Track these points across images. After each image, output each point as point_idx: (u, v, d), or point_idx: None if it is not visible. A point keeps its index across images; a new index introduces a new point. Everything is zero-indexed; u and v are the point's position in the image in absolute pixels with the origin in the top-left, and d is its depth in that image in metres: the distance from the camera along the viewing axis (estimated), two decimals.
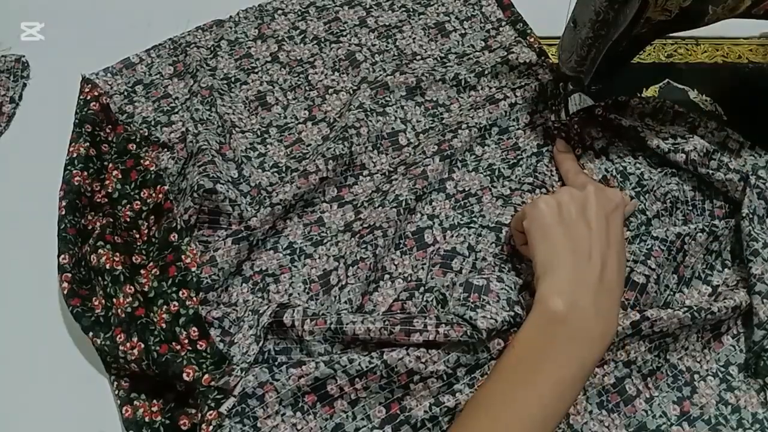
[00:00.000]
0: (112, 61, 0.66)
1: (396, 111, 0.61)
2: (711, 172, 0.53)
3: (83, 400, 0.50)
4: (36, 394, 0.51)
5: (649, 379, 0.47)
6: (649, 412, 0.46)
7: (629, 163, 0.57)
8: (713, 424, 0.46)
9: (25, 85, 0.67)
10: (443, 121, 0.62)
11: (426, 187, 0.56)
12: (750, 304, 0.48)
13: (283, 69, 0.66)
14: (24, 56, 0.69)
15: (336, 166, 0.57)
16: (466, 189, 0.58)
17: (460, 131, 0.58)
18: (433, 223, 0.56)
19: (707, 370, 0.48)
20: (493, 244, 0.54)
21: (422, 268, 0.53)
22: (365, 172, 0.59)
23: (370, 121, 0.60)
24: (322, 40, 0.68)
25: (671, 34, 0.55)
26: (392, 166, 0.59)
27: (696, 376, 0.48)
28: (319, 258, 0.55)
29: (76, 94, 0.63)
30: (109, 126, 0.62)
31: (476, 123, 0.59)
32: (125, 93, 0.64)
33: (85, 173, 0.57)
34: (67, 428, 0.50)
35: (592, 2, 0.47)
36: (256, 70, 0.66)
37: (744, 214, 0.50)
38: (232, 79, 0.65)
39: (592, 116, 0.58)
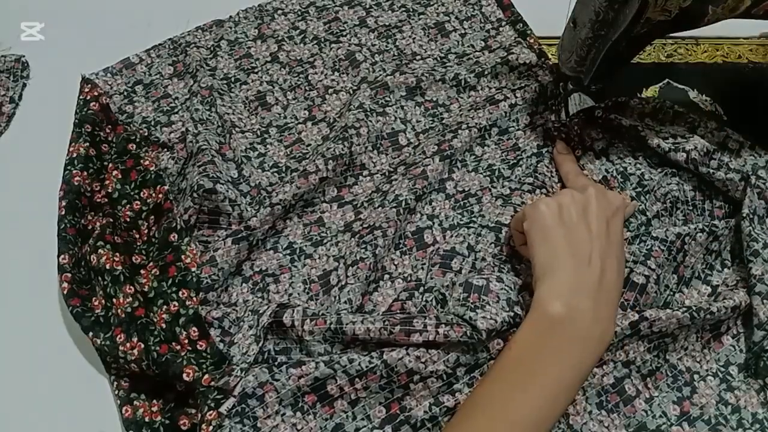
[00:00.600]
0: (112, 61, 0.66)
1: (396, 111, 0.61)
2: (711, 171, 0.53)
3: (83, 400, 0.50)
4: (36, 394, 0.51)
5: (648, 379, 0.47)
6: (649, 412, 0.46)
7: (629, 163, 0.57)
8: (713, 424, 0.46)
9: (25, 85, 0.67)
10: (443, 121, 0.62)
11: (426, 187, 0.56)
12: (750, 304, 0.48)
13: (283, 69, 0.66)
14: (24, 56, 0.69)
15: (336, 166, 0.57)
16: (466, 189, 0.58)
17: (460, 131, 0.58)
18: (433, 223, 0.56)
19: (707, 370, 0.48)
20: (493, 245, 0.54)
21: (422, 268, 0.53)
22: (365, 173, 0.59)
23: (370, 121, 0.60)
24: (322, 40, 0.68)
25: (671, 34, 0.55)
26: (392, 166, 0.59)
27: (696, 376, 0.48)
28: (319, 258, 0.55)
29: (76, 94, 0.63)
30: (109, 126, 0.62)
31: (476, 123, 0.59)
32: (125, 93, 0.64)
33: (85, 173, 0.57)
34: (67, 428, 0.50)
35: (592, 2, 0.47)
36: (256, 70, 0.66)
37: (744, 215, 0.50)
38: (232, 79, 0.65)
39: (592, 117, 0.58)
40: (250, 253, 0.54)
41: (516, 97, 0.60)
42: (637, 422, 0.46)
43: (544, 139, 0.60)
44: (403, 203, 0.55)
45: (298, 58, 0.67)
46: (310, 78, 0.65)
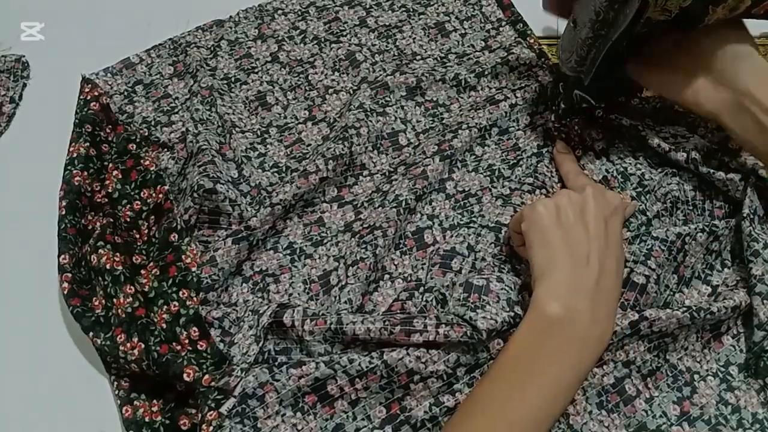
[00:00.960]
0: (112, 61, 0.66)
1: (396, 111, 0.61)
2: (712, 171, 0.53)
3: (83, 400, 0.50)
4: (36, 394, 0.51)
5: (648, 379, 0.47)
6: (649, 412, 0.46)
7: (630, 163, 0.57)
8: (713, 424, 0.46)
9: (25, 85, 0.67)
10: (443, 122, 0.62)
11: (426, 187, 0.56)
12: (750, 304, 0.48)
13: (283, 69, 0.66)
14: (24, 56, 0.69)
15: (336, 166, 0.57)
16: (466, 189, 0.58)
17: (460, 131, 0.58)
18: (433, 223, 0.56)
19: (707, 370, 0.48)
20: (493, 245, 0.54)
21: (422, 268, 0.53)
22: (365, 173, 0.59)
23: (370, 121, 0.60)
24: (322, 40, 0.68)
25: None
26: (392, 166, 0.59)
27: (696, 376, 0.48)
28: (319, 258, 0.55)
29: (76, 94, 0.63)
30: (109, 126, 0.62)
31: (476, 123, 0.59)
32: (125, 93, 0.64)
33: (85, 173, 0.57)
34: (67, 428, 0.50)
35: (592, 2, 0.47)
36: (256, 70, 0.66)
37: (744, 215, 0.50)
38: (232, 79, 0.65)
39: (592, 117, 0.58)
40: (250, 253, 0.54)
41: (516, 97, 0.60)
42: (637, 422, 0.46)
43: (544, 139, 0.60)
44: (403, 203, 0.55)
45: (299, 58, 0.67)
46: (310, 78, 0.65)
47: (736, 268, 0.52)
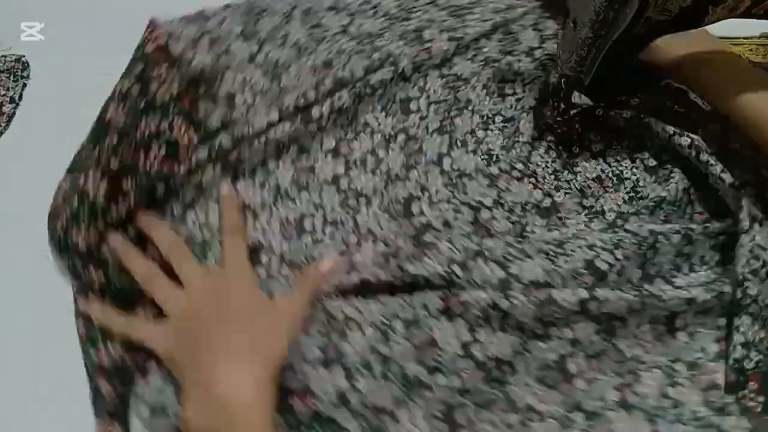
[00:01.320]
0: (112, 61, 0.65)
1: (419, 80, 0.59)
2: (711, 162, 0.51)
3: (83, 400, 0.50)
4: (36, 394, 0.51)
5: (593, 360, 0.47)
6: (588, 393, 0.46)
7: (626, 167, 0.56)
8: (651, 414, 0.46)
9: (25, 85, 0.67)
10: (457, 94, 0.60)
11: (418, 160, 0.56)
12: (707, 301, 0.47)
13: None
14: (24, 56, 0.69)
15: (337, 119, 0.56)
16: (461, 168, 0.56)
17: (464, 113, 0.58)
18: (423, 194, 0.55)
19: (654, 362, 0.48)
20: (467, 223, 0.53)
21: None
22: (367, 130, 0.58)
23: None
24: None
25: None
26: (394, 131, 0.58)
27: (642, 366, 0.47)
28: (300, 203, 0.54)
29: (76, 94, 0.62)
30: (166, 63, 0.57)
31: (479, 110, 0.58)
32: (190, 41, 0.59)
33: (121, 106, 0.54)
34: (67, 428, 0.50)
35: (592, 2, 0.47)
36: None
37: (745, 229, 0.49)
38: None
39: (592, 117, 0.58)
40: (236, 180, 0.54)
41: (524, 92, 0.60)
42: (573, 401, 0.46)
43: (543, 131, 0.59)
44: (393, 176, 0.54)
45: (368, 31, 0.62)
46: None
47: (703, 273, 0.51)
